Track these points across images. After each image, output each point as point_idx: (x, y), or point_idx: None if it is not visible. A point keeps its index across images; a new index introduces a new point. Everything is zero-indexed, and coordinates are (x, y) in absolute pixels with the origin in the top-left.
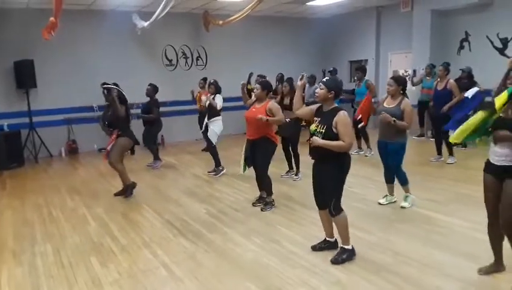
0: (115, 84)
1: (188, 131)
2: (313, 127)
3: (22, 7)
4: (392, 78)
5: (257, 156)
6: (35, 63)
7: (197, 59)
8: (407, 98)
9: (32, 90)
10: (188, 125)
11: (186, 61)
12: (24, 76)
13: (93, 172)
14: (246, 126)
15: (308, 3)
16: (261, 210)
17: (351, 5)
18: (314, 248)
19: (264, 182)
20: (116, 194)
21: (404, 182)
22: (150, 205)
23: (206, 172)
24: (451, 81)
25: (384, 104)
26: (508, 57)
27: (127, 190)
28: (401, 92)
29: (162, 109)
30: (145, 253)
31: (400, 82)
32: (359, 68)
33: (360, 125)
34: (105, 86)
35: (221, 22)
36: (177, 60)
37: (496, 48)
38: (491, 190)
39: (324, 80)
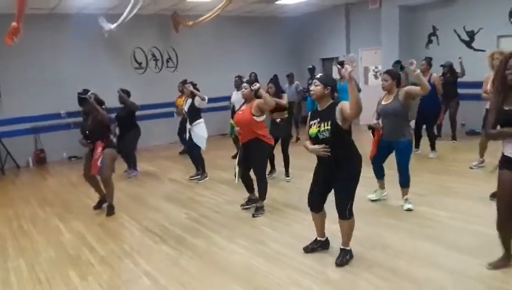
0: (86, 90)
1: (161, 135)
2: (313, 130)
3: None
4: (386, 72)
5: (251, 158)
6: None
7: (167, 61)
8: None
9: None
10: (161, 129)
11: (156, 64)
12: None
13: (64, 182)
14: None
15: (277, 2)
16: (253, 216)
17: (320, 3)
18: (307, 249)
19: (259, 186)
20: (95, 207)
21: (406, 184)
22: (127, 213)
23: (188, 177)
24: (435, 75)
25: (383, 102)
26: (475, 50)
27: (111, 208)
28: (397, 85)
29: None
30: (125, 263)
31: (394, 76)
32: (341, 64)
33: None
34: (82, 95)
35: (191, 23)
36: (147, 63)
37: (463, 41)
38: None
39: (318, 76)
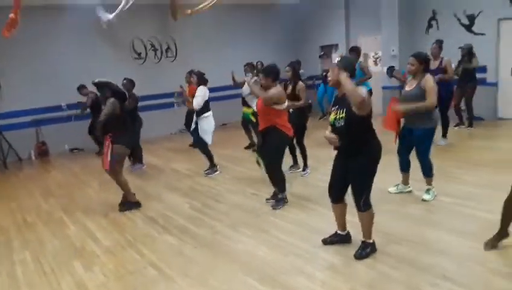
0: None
1: (162, 125)
2: (331, 117)
3: None
4: (413, 55)
5: (265, 147)
6: None
7: (167, 51)
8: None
9: None
10: (163, 120)
11: (156, 54)
12: None
13: (67, 173)
14: None
15: None
16: (272, 208)
17: None
18: (325, 242)
19: (274, 178)
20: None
21: (428, 173)
22: None
23: (202, 171)
24: (446, 58)
25: (406, 88)
26: (475, 34)
27: (125, 205)
28: (424, 69)
29: None
30: (130, 253)
31: (421, 60)
32: (353, 49)
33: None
34: (96, 82)
35: (189, 11)
36: (146, 53)
37: (463, 25)
38: None
39: (337, 60)
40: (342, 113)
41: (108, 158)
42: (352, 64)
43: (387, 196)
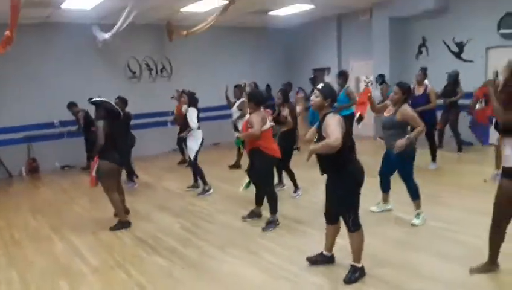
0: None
1: (156, 144)
2: (315, 137)
3: None
4: (398, 85)
5: (252, 169)
6: None
7: (162, 70)
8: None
9: None
10: (157, 138)
11: (150, 73)
12: None
13: (57, 190)
14: None
15: (269, 13)
16: (262, 230)
17: (312, 14)
18: (310, 260)
19: (268, 199)
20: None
21: (415, 196)
22: None
23: (185, 188)
24: (430, 86)
25: (384, 113)
26: (464, 60)
27: (117, 224)
28: (405, 99)
29: None
30: (118, 273)
31: (405, 90)
32: (341, 74)
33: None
34: (93, 100)
35: (185, 33)
36: (141, 72)
37: (452, 52)
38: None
39: (319, 86)
40: (315, 137)
41: (93, 174)
42: (334, 92)
43: (372, 217)
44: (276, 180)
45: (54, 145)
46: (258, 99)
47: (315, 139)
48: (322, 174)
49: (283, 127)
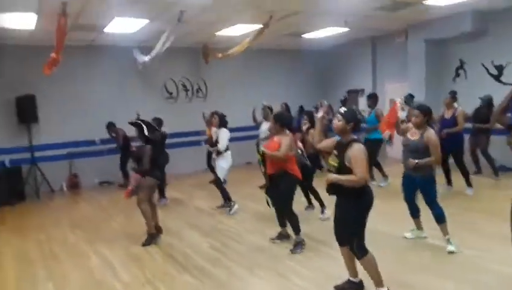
0: (139, 118)
1: (190, 162)
2: (329, 160)
3: (23, 43)
4: (418, 108)
5: (276, 191)
6: (37, 98)
7: (197, 91)
8: (432, 128)
9: (34, 125)
10: (191, 157)
11: (187, 94)
12: (26, 111)
13: (95, 206)
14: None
15: (303, 36)
16: (291, 252)
17: (346, 36)
18: (338, 288)
19: (289, 220)
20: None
21: (441, 219)
22: None
23: (215, 207)
24: (460, 109)
25: (408, 136)
26: (504, 84)
27: (147, 239)
28: (427, 122)
29: None
30: None
31: (426, 113)
32: (371, 96)
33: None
34: (133, 121)
35: (220, 55)
36: (178, 93)
37: (491, 75)
38: None
39: (342, 110)
40: (336, 162)
41: (131, 187)
42: (356, 116)
43: (405, 243)
44: (304, 202)
45: (94, 162)
46: (283, 121)
47: (335, 164)
48: (330, 195)
49: (309, 149)
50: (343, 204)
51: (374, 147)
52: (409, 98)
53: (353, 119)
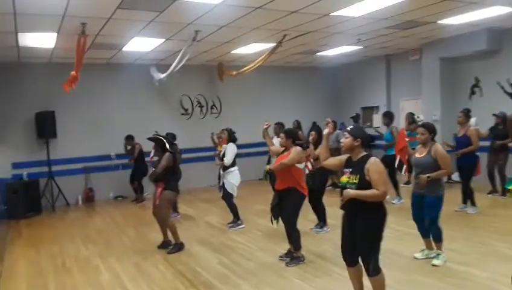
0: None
1: (203, 177)
2: (343, 179)
3: (44, 61)
4: (423, 125)
5: (284, 207)
6: (56, 114)
7: (212, 108)
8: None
9: (52, 140)
10: (203, 172)
11: (201, 110)
12: (45, 126)
13: (108, 221)
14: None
15: (317, 54)
16: (286, 265)
17: (360, 54)
18: None
19: (291, 236)
20: (159, 247)
21: (438, 239)
22: (162, 254)
23: (225, 223)
24: (472, 128)
25: (417, 155)
26: None
27: (174, 247)
28: (432, 138)
29: None
30: None
31: (430, 130)
32: (386, 114)
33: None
34: (154, 136)
35: (234, 73)
36: (193, 109)
37: (507, 93)
38: None
39: (348, 128)
40: (356, 179)
41: (157, 202)
42: (363, 132)
43: (414, 264)
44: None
45: (109, 176)
46: (295, 136)
47: (356, 181)
48: (344, 211)
49: (318, 164)
50: (361, 221)
51: (391, 163)
52: (410, 116)
53: (360, 136)
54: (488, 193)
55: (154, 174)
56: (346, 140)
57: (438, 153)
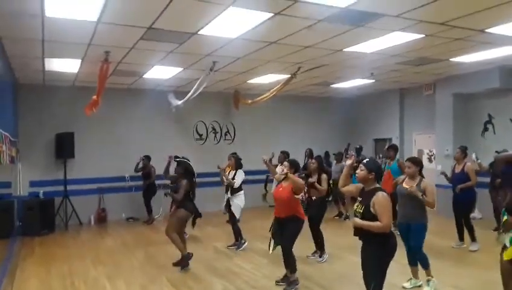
0: (184, 157)
1: (213, 202)
2: (355, 206)
3: (68, 85)
4: (409, 159)
5: (285, 234)
6: (76, 135)
7: (226, 134)
8: (424, 177)
9: (70, 160)
10: (214, 197)
11: (215, 136)
12: (64, 147)
13: (119, 242)
14: (275, 203)
15: (332, 86)
16: None
17: (374, 86)
18: None
19: (288, 259)
20: (174, 264)
21: (425, 265)
22: (168, 278)
23: (226, 246)
24: (469, 164)
25: (404, 185)
26: None
27: (183, 261)
28: (419, 173)
29: None
30: None
31: (417, 163)
32: (391, 147)
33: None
34: (177, 159)
35: (250, 101)
36: (207, 135)
37: None
38: None
39: (365, 161)
40: (361, 209)
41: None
42: (378, 166)
43: None
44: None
45: (122, 197)
46: (297, 167)
47: (360, 210)
48: (357, 236)
49: (317, 194)
50: (367, 249)
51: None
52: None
53: (375, 169)
54: (494, 230)
55: (177, 200)
56: (361, 172)
57: (428, 186)
